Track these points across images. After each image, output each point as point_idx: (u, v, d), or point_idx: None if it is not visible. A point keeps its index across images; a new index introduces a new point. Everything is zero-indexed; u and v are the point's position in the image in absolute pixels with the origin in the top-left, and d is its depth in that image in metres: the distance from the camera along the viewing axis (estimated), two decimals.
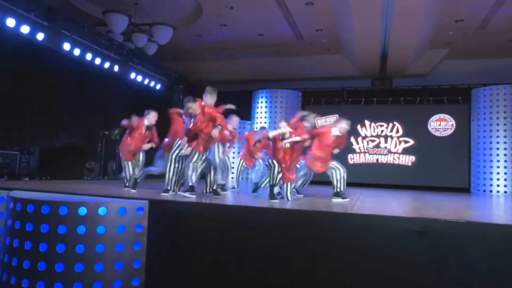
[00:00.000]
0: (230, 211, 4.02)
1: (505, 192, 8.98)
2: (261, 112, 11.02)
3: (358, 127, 10.60)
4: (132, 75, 9.57)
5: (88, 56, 8.14)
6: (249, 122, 11.15)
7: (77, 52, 7.84)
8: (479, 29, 8.38)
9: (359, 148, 10.67)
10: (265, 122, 10.99)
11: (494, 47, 9.11)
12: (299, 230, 3.65)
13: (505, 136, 9.20)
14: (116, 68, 8.88)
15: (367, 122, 10.65)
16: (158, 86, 10.64)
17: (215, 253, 3.77)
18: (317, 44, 9.85)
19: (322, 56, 10.57)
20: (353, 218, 3.70)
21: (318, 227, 3.61)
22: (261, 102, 11.10)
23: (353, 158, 10.61)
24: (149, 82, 10.26)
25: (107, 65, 8.62)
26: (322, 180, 5.61)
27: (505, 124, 9.26)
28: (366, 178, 10.01)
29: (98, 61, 8.40)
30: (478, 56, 9.53)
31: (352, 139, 10.48)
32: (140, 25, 8.45)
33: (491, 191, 9.11)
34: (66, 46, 7.61)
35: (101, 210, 3.57)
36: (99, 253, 3.50)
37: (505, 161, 9.15)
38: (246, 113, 10.47)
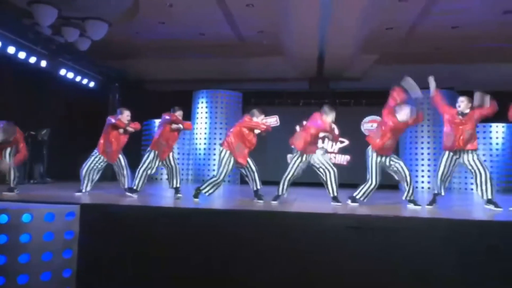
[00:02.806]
0: (164, 213, 3.91)
1: (429, 188, 9.79)
2: (201, 113, 10.89)
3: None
4: (62, 72, 8.96)
5: (11, 50, 7.46)
6: (190, 122, 10.96)
7: None
8: (407, 37, 9.00)
9: None
10: (205, 123, 10.88)
11: (421, 54, 9.84)
12: (236, 231, 3.64)
13: (428, 137, 10.05)
14: (43, 63, 8.24)
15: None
16: (92, 84, 10.08)
17: (157, 257, 3.64)
18: (258, 45, 9.95)
19: (263, 58, 10.69)
20: (292, 216, 3.77)
21: (257, 227, 3.63)
22: (202, 103, 10.97)
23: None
24: (82, 80, 9.67)
25: (33, 60, 7.97)
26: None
27: (428, 126, 10.10)
28: (304, 177, 10.31)
29: (22, 55, 7.73)
30: (407, 61, 10.24)
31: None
32: (71, 19, 7.92)
33: (416, 187, 9.85)
34: None
35: (25, 217, 3.28)
36: (23, 263, 3.21)
37: (429, 159, 10.00)
38: (186, 113, 10.25)
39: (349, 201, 5.20)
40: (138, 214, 3.90)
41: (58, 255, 3.38)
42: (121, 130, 5.64)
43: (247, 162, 5.44)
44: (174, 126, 5.78)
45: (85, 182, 5.53)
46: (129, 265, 3.62)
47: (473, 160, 5.11)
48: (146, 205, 4.62)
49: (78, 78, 9.56)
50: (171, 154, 5.78)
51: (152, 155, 5.60)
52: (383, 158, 5.17)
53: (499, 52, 9.58)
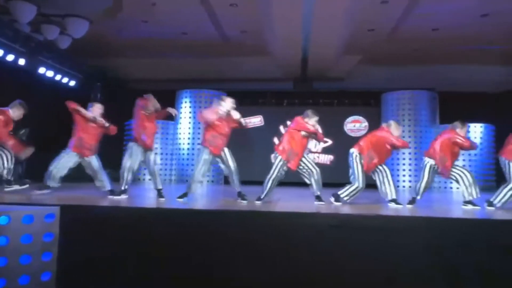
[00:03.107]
0: (147, 214, 3.88)
1: (410, 186, 9.98)
2: (185, 112, 10.82)
3: (281, 127, 10.92)
4: (42, 70, 8.76)
5: None
6: (173, 122, 10.89)
7: None
8: (389, 38, 9.13)
9: None
10: (189, 123, 10.82)
11: (403, 55, 10.01)
12: (220, 231, 3.63)
13: (409, 136, 10.22)
14: (21, 61, 8.04)
15: (289, 123, 11.02)
16: (73, 83, 9.89)
17: (139, 260, 3.60)
18: (242, 45, 9.94)
19: (247, 58, 10.69)
20: (277, 216, 3.79)
21: (242, 227, 3.63)
22: (185, 102, 10.91)
23: (276, 158, 10.89)
24: (62, 78, 9.48)
25: (10, 57, 7.77)
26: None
27: (409, 126, 10.30)
28: (288, 177, 10.37)
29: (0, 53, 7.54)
30: (389, 63, 10.40)
31: (276, 140, 10.77)
32: (51, 16, 7.75)
33: (398, 186, 10.02)
34: None
35: (2, 219, 3.18)
36: (0, 267, 3.12)
37: (410, 159, 10.19)
38: (169, 113, 10.19)
39: (332, 199, 5.23)
40: (119, 215, 3.85)
41: (37, 258, 3.30)
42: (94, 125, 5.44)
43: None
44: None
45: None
46: (109, 268, 3.57)
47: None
48: (128, 206, 4.56)
49: (58, 77, 9.36)
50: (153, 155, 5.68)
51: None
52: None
53: (477, 53, 9.83)
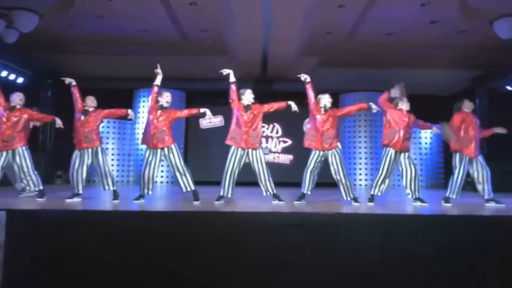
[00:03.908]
0: (98, 217, 3.74)
1: (366, 185, 10.33)
2: (143, 112, 10.57)
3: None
4: None
5: None
6: (130, 122, 10.59)
7: None
8: (345, 42, 9.40)
9: None
10: None
11: (358, 58, 10.33)
12: (177, 232, 3.57)
13: (365, 137, 10.60)
14: None
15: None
16: (20, 80, 9.34)
17: (89, 264, 3.45)
18: (202, 44, 9.84)
19: (207, 57, 10.59)
20: (236, 216, 3.78)
21: (201, 227, 3.59)
22: (143, 102, 10.65)
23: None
24: (8, 75, 8.93)
25: None
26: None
27: (365, 126, 10.66)
28: (248, 176, 10.43)
29: None
30: (346, 65, 10.71)
31: None
32: None
33: (355, 184, 10.34)
34: None
35: None
36: None
37: (366, 158, 10.55)
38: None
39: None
40: (69, 219, 3.67)
41: None
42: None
43: None
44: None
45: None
46: (58, 273, 3.40)
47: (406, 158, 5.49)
48: (78, 209, 4.35)
49: (4, 73, 8.81)
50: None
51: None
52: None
53: (428, 58, 10.35)
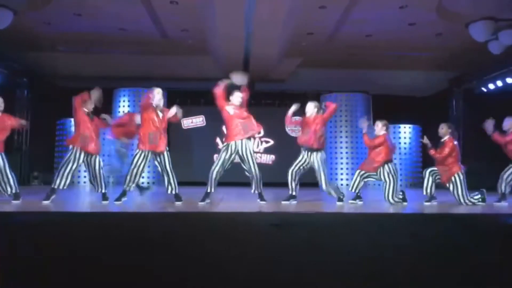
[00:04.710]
0: (82, 219, 3.66)
1: (347, 184, 10.45)
2: (123, 112, 10.38)
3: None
4: None
5: None
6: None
7: None
8: (327, 43, 9.50)
9: None
10: None
11: (338, 59, 10.46)
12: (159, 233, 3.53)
13: (346, 137, 10.73)
14: None
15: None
16: None
17: (70, 269, 3.37)
18: (183, 44, 9.77)
19: (188, 57, 10.52)
20: (218, 216, 3.76)
21: (186, 228, 3.56)
22: (123, 101, 10.48)
23: None
24: None
25: None
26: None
27: (346, 126, 10.80)
28: (230, 177, 10.40)
29: None
30: (327, 66, 10.82)
31: (218, 140, 10.73)
32: None
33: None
34: None
35: None
36: None
37: (347, 158, 10.68)
38: (106, 112, 9.72)
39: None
40: (52, 221, 3.57)
41: None
42: None
43: None
44: None
45: None
46: (38, 278, 3.30)
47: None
48: (60, 211, 4.25)
49: None
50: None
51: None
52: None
53: (406, 60, 10.57)
